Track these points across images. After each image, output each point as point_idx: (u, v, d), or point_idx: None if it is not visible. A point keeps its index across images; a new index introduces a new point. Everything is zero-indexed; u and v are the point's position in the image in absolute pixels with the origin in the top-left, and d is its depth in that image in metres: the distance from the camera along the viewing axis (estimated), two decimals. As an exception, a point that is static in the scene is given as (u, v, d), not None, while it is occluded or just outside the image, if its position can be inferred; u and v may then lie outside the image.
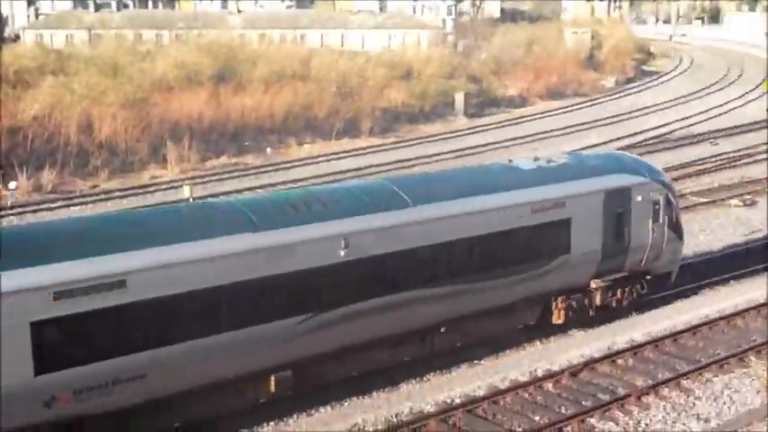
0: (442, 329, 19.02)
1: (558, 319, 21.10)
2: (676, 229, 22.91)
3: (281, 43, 74.38)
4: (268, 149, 46.57)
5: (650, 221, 21.90)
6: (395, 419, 16.82)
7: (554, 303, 20.95)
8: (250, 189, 36.13)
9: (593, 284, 21.38)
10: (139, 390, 14.53)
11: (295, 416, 16.96)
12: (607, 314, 21.96)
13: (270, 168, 41.96)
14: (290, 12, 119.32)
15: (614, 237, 21.23)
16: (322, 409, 17.29)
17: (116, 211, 30.23)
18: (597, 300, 21.62)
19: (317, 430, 16.38)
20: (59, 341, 13.61)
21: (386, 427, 16.39)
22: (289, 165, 42.88)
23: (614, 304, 22.15)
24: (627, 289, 22.26)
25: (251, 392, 16.46)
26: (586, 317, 21.62)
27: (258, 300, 15.61)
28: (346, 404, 17.56)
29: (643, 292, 22.81)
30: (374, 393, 17.97)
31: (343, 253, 16.58)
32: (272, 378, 16.50)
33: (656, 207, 22.05)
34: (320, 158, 44.40)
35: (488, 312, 19.54)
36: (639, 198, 21.66)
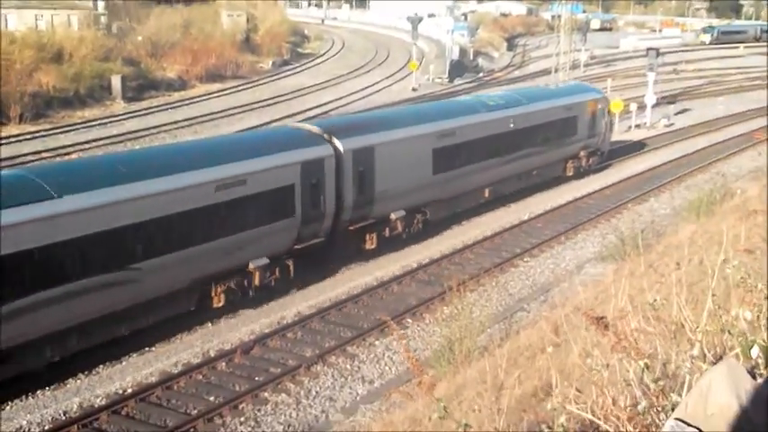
0: (534, 173, 34.34)
1: (568, 172, 37.01)
2: (610, 125, 40.55)
3: None
4: None
5: (603, 119, 38.61)
6: (63, 417, 16.21)
7: (565, 164, 36.75)
8: None
9: (581, 153, 37.66)
10: (465, 186, 29.83)
11: (-49, 427, 15.78)
12: (577, 174, 37.63)
13: None
14: None
15: (591, 126, 37.56)
16: (-18, 416, 16.21)
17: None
18: (583, 162, 37.87)
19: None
20: (439, 158, 27.72)
21: (53, 427, 15.75)
22: (-73, 156, 39.03)
23: (587, 166, 38.13)
24: (593, 158, 38.69)
25: (481, 196, 31.45)
26: (578, 172, 37.49)
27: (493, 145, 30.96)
28: (8, 407, 16.58)
29: (601, 161, 39.34)
30: (38, 392, 17.12)
31: (512, 125, 31.88)
32: (487, 190, 31.42)
33: (604, 111, 38.87)
34: (-37, 148, 40.92)
35: (552, 164, 35.63)
36: (600, 106, 38.41)
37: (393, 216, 26.43)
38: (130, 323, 18.92)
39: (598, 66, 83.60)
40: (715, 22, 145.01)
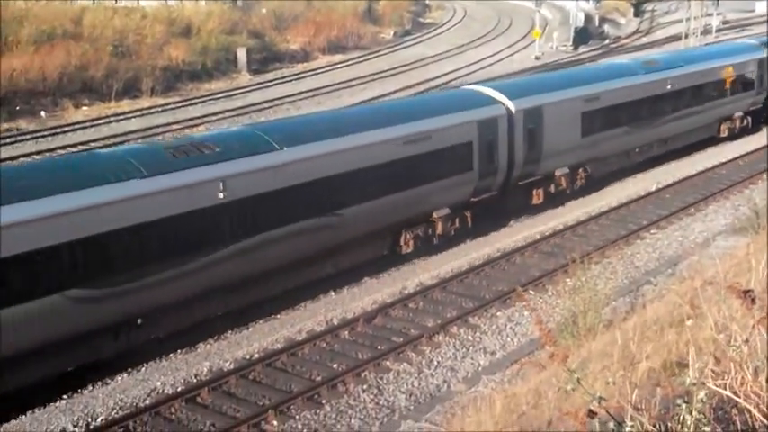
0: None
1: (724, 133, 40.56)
2: None
3: (48, 0, 70.24)
4: (42, 113, 44.10)
5: None
6: (194, 380, 16.79)
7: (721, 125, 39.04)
8: (26, 156, 34.22)
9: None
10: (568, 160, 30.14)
11: (90, 386, 16.56)
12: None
13: (46, 133, 39.75)
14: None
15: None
16: (119, 377, 16.96)
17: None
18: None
19: (116, 397, 16.08)
20: (588, 122, 28.90)
21: (185, 389, 16.34)
22: (67, 128, 40.85)
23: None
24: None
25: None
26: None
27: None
28: (144, 369, 17.30)
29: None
30: (171, 356, 17.80)
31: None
32: None
33: None
34: (100, 121, 42.64)
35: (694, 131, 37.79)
36: None
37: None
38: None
39: (731, 31, 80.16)
40: None
